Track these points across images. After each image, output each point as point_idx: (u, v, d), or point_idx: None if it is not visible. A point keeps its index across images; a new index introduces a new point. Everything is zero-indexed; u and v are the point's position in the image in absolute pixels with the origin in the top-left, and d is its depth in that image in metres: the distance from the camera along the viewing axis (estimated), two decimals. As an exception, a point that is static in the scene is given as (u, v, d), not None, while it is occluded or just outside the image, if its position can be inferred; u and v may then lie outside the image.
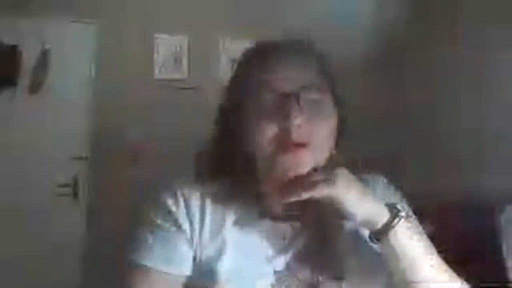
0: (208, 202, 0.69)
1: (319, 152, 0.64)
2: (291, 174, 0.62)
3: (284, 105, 0.62)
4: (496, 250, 1.69)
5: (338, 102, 0.68)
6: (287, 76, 0.64)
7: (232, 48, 2.69)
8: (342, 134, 0.69)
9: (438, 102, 2.62)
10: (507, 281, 1.59)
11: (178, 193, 0.70)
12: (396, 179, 0.78)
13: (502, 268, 1.63)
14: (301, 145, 0.62)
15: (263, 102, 0.64)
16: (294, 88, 0.63)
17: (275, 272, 0.65)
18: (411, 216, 0.72)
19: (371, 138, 2.61)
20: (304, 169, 0.62)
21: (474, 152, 2.25)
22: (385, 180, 0.77)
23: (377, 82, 2.83)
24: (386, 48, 2.85)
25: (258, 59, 0.68)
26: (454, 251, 0.72)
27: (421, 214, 0.73)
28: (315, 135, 0.63)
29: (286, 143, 0.62)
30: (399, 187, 0.77)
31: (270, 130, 0.62)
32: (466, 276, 0.68)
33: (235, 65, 0.73)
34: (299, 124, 0.61)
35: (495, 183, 2.03)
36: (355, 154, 0.72)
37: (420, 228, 0.71)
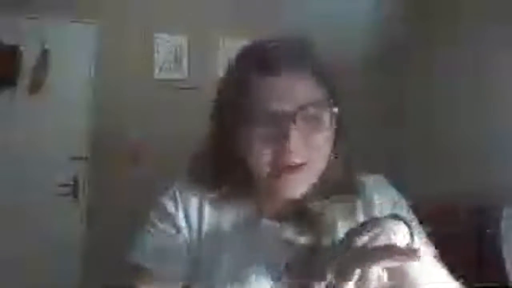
0: (206, 204, 0.69)
1: (317, 165, 0.63)
2: (286, 197, 0.63)
3: (280, 125, 0.58)
4: (496, 251, 1.69)
5: (336, 106, 0.63)
6: (283, 92, 0.59)
7: (232, 48, 2.66)
8: (340, 137, 0.66)
9: (438, 102, 2.62)
10: (507, 282, 1.59)
11: (177, 195, 0.70)
12: (396, 179, 0.78)
13: (501, 268, 1.63)
14: (298, 165, 0.60)
15: (256, 120, 0.59)
16: (291, 107, 0.58)
17: (273, 275, 0.65)
18: (412, 219, 0.71)
19: (371, 138, 2.61)
20: (299, 193, 0.62)
21: (474, 152, 2.25)
22: (385, 181, 0.75)
23: (377, 82, 2.83)
24: (386, 48, 2.85)
25: (250, 68, 0.62)
26: (454, 251, 0.72)
27: (421, 215, 0.73)
28: (313, 151, 0.61)
29: (282, 164, 0.60)
30: (399, 187, 0.76)
31: (266, 152, 0.60)
32: (466, 276, 0.68)
33: (228, 67, 0.68)
34: (296, 144, 0.58)
35: (495, 183, 2.03)
36: (352, 156, 0.70)
37: (420, 229, 0.71)
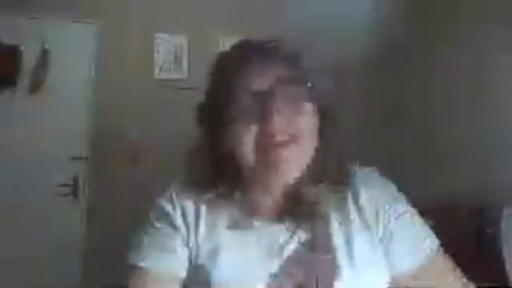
0: (202, 205, 0.70)
1: (305, 149, 0.64)
2: (280, 182, 0.64)
3: (261, 104, 0.61)
4: (496, 251, 1.69)
5: (318, 98, 0.66)
6: (261, 75, 0.63)
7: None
8: (326, 131, 0.68)
9: (438, 102, 2.62)
10: (507, 282, 1.59)
11: (174, 196, 0.71)
12: (396, 179, 0.77)
13: (501, 268, 1.63)
14: (283, 142, 0.61)
15: (239, 104, 0.62)
16: (270, 85, 0.62)
17: (270, 274, 0.65)
18: (411, 212, 0.71)
19: (371, 138, 2.61)
20: (291, 177, 0.63)
21: (474, 152, 2.25)
22: (378, 174, 0.75)
23: (377, 82, 2.83)
24: (386, 48, 2.85)
25: (232, 62, 0.67)
26: (454, 251, 0.72)
27: (421, 215, 0.73)
28: (298, 131, 0.62)
29: (268, 145, 0.61)
30: (399, 186, 0.76)
31: (250, 133, 0.62)
32: (466, 276, 0.68)
33: (211, 70, 0.71)
34: (279, 121, 0.60)
35: (495, 183, 2.03)
36: (342, 149, 0.71)
37: (422, 222, 0.71)
